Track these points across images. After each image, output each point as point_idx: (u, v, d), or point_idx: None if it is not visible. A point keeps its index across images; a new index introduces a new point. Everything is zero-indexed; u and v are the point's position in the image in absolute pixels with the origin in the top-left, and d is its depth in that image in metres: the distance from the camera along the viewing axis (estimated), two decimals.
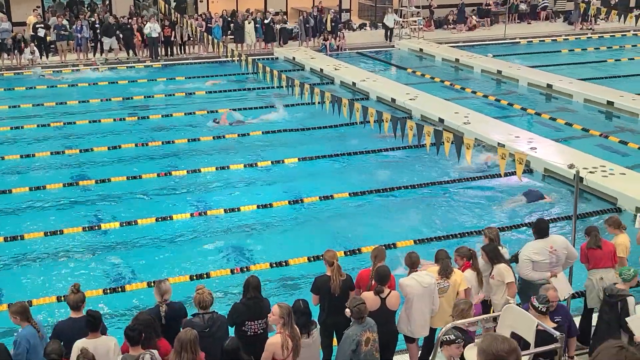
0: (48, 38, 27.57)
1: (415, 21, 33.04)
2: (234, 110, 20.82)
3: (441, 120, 19.37)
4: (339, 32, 30.95)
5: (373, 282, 8.20)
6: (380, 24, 34.87)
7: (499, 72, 25.80)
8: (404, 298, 8.38)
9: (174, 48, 29.03)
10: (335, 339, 8.47)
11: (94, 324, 7.01)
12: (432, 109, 20.46)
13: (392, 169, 16.68)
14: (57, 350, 6.59)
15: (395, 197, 14.93)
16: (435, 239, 12.89)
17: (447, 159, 14.83)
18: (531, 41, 32.34)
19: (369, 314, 7.63)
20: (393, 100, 21.97)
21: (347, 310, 7.53)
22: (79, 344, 6.76)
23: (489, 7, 36.05)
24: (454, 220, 13.87)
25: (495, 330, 7.65)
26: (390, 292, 8.07)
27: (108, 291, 11.03)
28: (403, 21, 32.67)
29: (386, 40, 31.87)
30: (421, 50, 30.36)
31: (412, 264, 8.54)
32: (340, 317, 7.84)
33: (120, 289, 11.14)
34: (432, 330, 8.63)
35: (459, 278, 8.57)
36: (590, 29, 34.66)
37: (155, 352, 6.48)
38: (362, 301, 7.58)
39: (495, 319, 7.91)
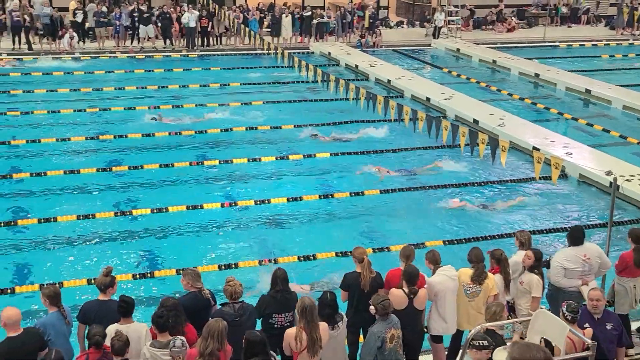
0: (87, 24, 27.86)
1: (453, 21, 32.79)
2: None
3: (476, 122, 19.18)
4: (375, 29, 30.82)
5: (403, 281, 8.13)
6: (417, 22, 34.77)
7: (537, 75, 25.48)
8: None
9: (211, 39, 29.15)
10: (361, 336, 8.44)
11: (126, 310, 7.04)
12: (467, 110, 20.27)
13: (423, 168, 16.51)
14: (101, 332, 6.63)
15: (427, 196, 14.80)
16: (465, 240, 12.77)
17: (481, 160, 14.67)
18: (571, 45, 31.91)
19: (396, 312, 7.59)
20: (428, 99, 21.82)
21: (372, 307, 7.48)
22: (111, 329, 6.79)
23: (530, 8, 35.66)
24: (484, 222, 13.72)
25: (524, 335, 7.55)
26: (418, 291, 8.01)
27: (137, 276, 11.10)
28: (445, 20, 32.45)
29: (434, 38, 31.67)
30: (458, 50, 30.11)
31: (436, 261, 8.49)
32: (368, 315, 7.79)
33: (149, 275, 11.21)
34: (459, 332, 8.56)
35: (491, 283, 8.47)
36: (633, 34, 34.06)
37: (184, 338, 6.50)
38: (386, 297, 7.57)
39: (522, 323, 7.82)
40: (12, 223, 12.84)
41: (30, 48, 26.61)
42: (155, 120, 19.11)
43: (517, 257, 9.05)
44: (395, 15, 37.28)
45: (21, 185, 14.65)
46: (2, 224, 12.74)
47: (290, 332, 7.20)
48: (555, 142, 17.40)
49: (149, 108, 20.28)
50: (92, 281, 10.19)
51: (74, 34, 26.83)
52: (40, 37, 26.71)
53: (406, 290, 7.96)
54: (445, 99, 21.37)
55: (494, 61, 27.84)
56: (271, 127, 19.00)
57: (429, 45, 31.50)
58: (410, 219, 13.85)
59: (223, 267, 11.44)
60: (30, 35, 26.72)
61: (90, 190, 14.52)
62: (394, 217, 13.91)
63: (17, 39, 26.59)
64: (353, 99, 17.79)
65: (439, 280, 8.25)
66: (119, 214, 13.42)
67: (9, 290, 10.55)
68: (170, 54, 27.86)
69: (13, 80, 23.08)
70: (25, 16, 26.36)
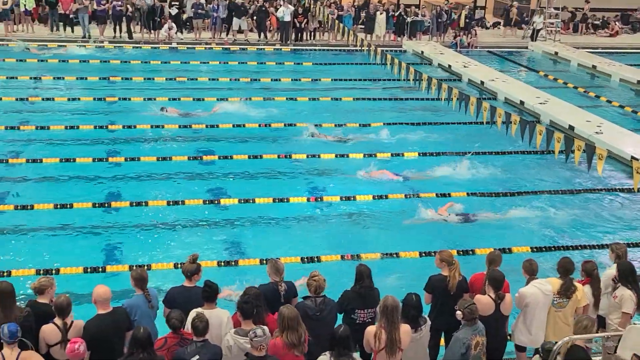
0: (184, 15, 28.54)
1: (552, 23, 31.85)
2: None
3: (571, 128, 18.56)
4: (471, 29, 30.31)
5: (487, 286, 7.95)
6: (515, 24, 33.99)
7: None
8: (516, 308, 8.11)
9: (305, 33, 29.35)
10: (442, 340, 8.31)
11: (209, 295, 7.13)
12: (563, 115, 19.64)
13: (515, 172, 16.15)
14: (179, 317, 6.76)
15: (516, 202, 14.42)
16: (553, 248, 12.40)
17: (576, 167, 14.18)
18: None
19: (481, 318, 7.42)
20: (522, 102, 21.28)
21: (459, 312, 7.33)
22: (193, 314, 6.90)
23: (635, 13, 34.25)
24: (575, 231, 13.27)
25: (615, 350, 7.25)
26: (505, 296, 7.80)
27: (222, 264, 11.29)
28: (543, 22, 31.58)
29: (532, 40, 30.91)
30: (556, 53, 29.25)
31: (532, 271, 8.23)
32: (452, 318, 7.65)
33: (233, 263, 11.38)
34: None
35: (580, 294, 8.18)
36: None
37: (266, 328, 6.55)
38: (472, 302, 7.41)
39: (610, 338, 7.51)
40: (106, 205, 13.30)
41: (130, 37, 27.50)
42: (164, 111, 19.05)
43: (613, 270, 8.68)
44: (492, 16, 36.53)
45: (117, 169, 15.14)
46: (97, 205, 13.21)
47: (370, 329, 7.16)
48: None
49: (240, 99, 20.59)
50: (179, 265, 10.44)
51: (173, 24, 27.56)
52: (141, 26, 27.56)
53: (492, 295, 7.77)
54: (540, 103, 20.77)
55: (594, 66, 26.89)
56: (360, 125, 18.96)
57: (526, 47, 30.73)
58: (497, 223, 13.51)
59: (306, 260, 11.49)
60: (132, 24, 27.62)
61: (180, 178, 14.87)
62: (478, 221, 13.62)
63: (118, 27, 27.52)
64: (445, 99, 17.53)
65: (531, 292, 8.01)
66: (207, 202, 13.68)
67: (100, 269, 10.92)
68: (263, 47, 28.24)
69: (114, 67, 23.90)
70: (128, 5, 27.25)
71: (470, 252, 12.07)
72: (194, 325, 6.59)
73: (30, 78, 21.75)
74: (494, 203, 14.33)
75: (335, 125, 18.73)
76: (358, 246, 12.28)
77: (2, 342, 6.45)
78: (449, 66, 25.87)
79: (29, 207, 12.94)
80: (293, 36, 28.88)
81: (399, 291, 7.87)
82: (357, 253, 11.90)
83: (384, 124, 19.03)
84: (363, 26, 29.65)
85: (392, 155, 16.68)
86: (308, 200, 14.04)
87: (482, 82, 23.58)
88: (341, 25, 26.69)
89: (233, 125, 18.19)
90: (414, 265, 11.61)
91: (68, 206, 13.04)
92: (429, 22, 30.52)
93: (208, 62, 25.21)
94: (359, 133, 18.34)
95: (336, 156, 16.43)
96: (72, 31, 27.67)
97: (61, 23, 27.58)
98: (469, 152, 16.36)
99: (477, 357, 7.30)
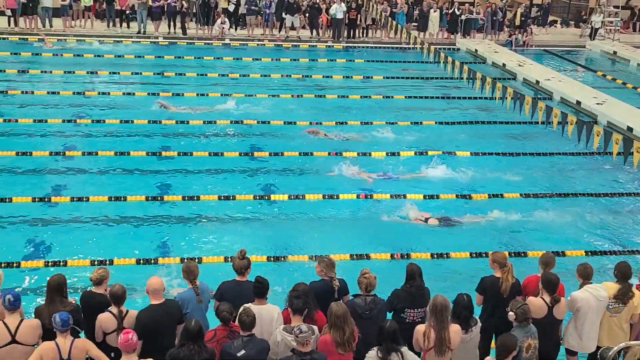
0: (239, 11, 28.76)
1: (611, 22, 31.09)
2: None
3: (630, 129, 18.07)
4: (527, 28, 29.80)
5: (541, 288, 7.79)
6: (572, 22, 33.34)
7: None
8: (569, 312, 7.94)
9: (357, 31, 29.27)
10: (493, 342, 8.17)
11: (260, 290, 7.15)
12: (621, 116, 19.14)
13: (568, 173, 15.82)
14: (229, 309, 6.79)
15: (571, 204, 14.13)
16: (609, 252, 12.10)
17: (635, 170, 13.81)
18: None
19: (533, 321, 7.28)
20: (578, 102, 20.83)
21: (511, 313, 7.21)
22: (242, 308, 6.91)
23: None
24: (633, 236, 12.92)
25: None
26: (559, 299, 7.64)
27: (272, 259, 11.33)
28: (602, 21, 30.86)
29: (590, 39, 30.27)
30: (615, 53, 28.56)
31: (587, 275, 8.03)
32: (503, 321, 7.53)
33: (282, 259, 11.41)
34: (598, 347, 8.10)
35: (636, 300, 7.96)
36: None
37: (315, 327, 6.55)
38: (525, 303, 7.31)
39: None
40: (159, 198, 13.48)
41: (184, 33, 27.83)
42: (163, 107, 19.04)
43: None
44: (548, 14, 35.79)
45: (170, 163, 15.34)
46: (150, 198, 13.40)
47: (420, 328, 7.12)
48: None
49: (292, 96, 20.65)
50: (229, 259, 10.51)
51: (226, 19, 27.78)
52: (196, 22, 27.87)
53: (546, 298, 7.61)
54: (598, 104, 20.29)
55: None
56: (411, 123, 18.83)
57: (584, 46, 30.09)
58: (551, 225, 13.25)
59: (355, 257, 11.45)
60: (186, 20, 27.96)
61: (231, 173, 14.98)
62: (531, 223, 13.36)
63: (172, 23, 27.88)
64: (499, 98, 17.27)
65: (583, 297, 7.83)
66: (257, 197, 13.76)
67: (152, 261, 11.08)
68: (315, 44, 28.26)
69: (167, 63, 24.22)
70: (183, 2, 27.58)
71: (523, 254, 11.86)
72: (240, 320, 6.62)
73: (87, 73, 22.19)
74: (547, 204, 14.05)
75: (387, 123, 18.61)
76: (409, 245, 12.20)
77: (55, 331, 6.58)
78: (504, 65, 25.48)
79: (84, 199, 13.20)
80: (345, 33, 28.82)
81: (448, 292, 7.79)
82: (407, 252, 11.82)
83: (435, 122, 18.88)
84: (416, 23, 29.41)
85: (443, 153, 16.50)
86: (358, 197, 13.99)
87: (538, 82, 23.16)
88: (394, 22, 26.55)
89: (284, 123, 18.23)
90: (465, 265, 11.47)
91: (122, 199, 13.26)
92: (484, 20, 30.11)
93: (260, 59, 25.35)
94: (411, 131, 18.20)
95: (387, 154, 16.33)
96: (128, 27, 28.16)
97: (117, 19, 28.10)
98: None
99: None
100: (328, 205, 13.62)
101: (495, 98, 17.69)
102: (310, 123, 18.36)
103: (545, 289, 7.68)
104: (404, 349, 6.67)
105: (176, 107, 19.06)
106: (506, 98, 16.93)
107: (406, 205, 13.45)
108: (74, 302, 7.23)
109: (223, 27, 27.59)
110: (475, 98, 20.57)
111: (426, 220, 13.07)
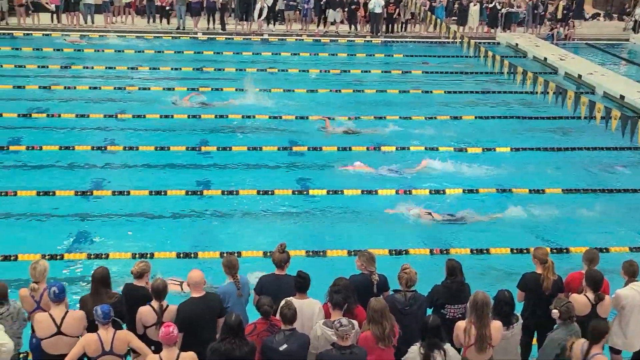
0: (277, 7, 28.81)
1: None
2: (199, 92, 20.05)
3: None
4: (568, 21, 29.31)
5: (584, 285, 7.66)
6: (615, 15, 32.70)
7: None
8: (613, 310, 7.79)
9: (396, 25, 29.11)
10: (535, 339, 8.07)
11: (302, 285, 7.16)
12: None
13: (614, 169, 15.52)
14: (270, 303, 6.81)
15: (615, 200, 13.87)
16: None
17: None
18: None
19: (577, 319, 7.16)
20: (622, 97, 20.42)
21: (555, 310, 7.09)
22: (283, 302, 6.91)
23: None
24: None
25: None
26: (604, 297, 7.49)
27: (310, 253, 11.33)
28: None
29: (634, 32, 29.69)
30: None
31: (632, 273, 7.86)
32: (545, 318, 7.43)
33: (321, 253, 11.40)
34: None
35: None
36: None
37: (355, 322, 6.53)
38: (568, 300, 7.20)
39: None
40: (199, 193, 13.58)
41: (223, 28, 27.98)
42: (174, 104, 18.99)
43: None
44: (591, 7, 35.17)
45: (208, 158, 15.44)
46: (190, 193, 13.51)
47: (460, 324, 7.06)
48: None
49: (330, 91, 20.63)
50: (268, 254, 10.54)
51: (265, 4, 27.73)
52: (235, 18, 28.00)
53: (590, 296, 7.48)
54: None
55: None
56: (451, 117, 18.67)
57: (627, 40, 29.48)
58: (593, 222, 13.02)
59: (394, 253, 11.39)
60: (225, 16, 28.11)
61: (270, 167, 15.03)
62: (573, 219, 13.14)
63: (211, 19, 28.05)
64: (541, 92, 17.01)
65: (628, 295, 7.66)
66: (296, 192, 13.77)
67: (192, 255, 11.17)
68: (354, 39, 28.18)
69: (205, 58, 24.37)
70: None
71: (565, 251, 11.69)
72: (282, 313, 6.63)
73: (128, 68, 22.46)
74: (590, 200, 13.81)
75: (425, 118, 18.49)
76: (448, 240, 12.12)
77: (97, 323, 6.67)
78: (545, 59, 25.11)
79: (125, 193, 13.37)
80: (384, 28, 28.68)
81: (488, 288, 7.71)
82: (447, 248, 11.72)
83: (475, 117, 18.70)
84: (456, 18, 29.14)
85: (483, 150, 16.33)
86: (397, 192, 13.91)
87: (580, 76, 22.77)
88: (433, 16, 26.33)
89: (322, 117, 18.21)
90: (505, 261, 11.34)
91: (162, 193, 13.39)
92: (524, 14, 29.69)
93: (298, 54, 25.36)
94: (449, 126, 18.05)
95: (425, 149, 16.21)
96: (168, 23, 28.42)
97: (157, 15, 28.37)
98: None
99: None
100: (366, 200, 13.56)
101: (537, 93, 17.43)
102: (349, 118, 18.25)
103: (589, 286, 7.56)
104: (447, 345, 6.62)
105: (217, 102, 19.17)
106: (548, 93, 16.67)
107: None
108: (118, 294, 7.32)
109: (262, 12, 27.48)
110: (516, 92, 20.32)
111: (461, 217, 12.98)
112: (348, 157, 15.63)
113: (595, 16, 33.24)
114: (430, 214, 12.91)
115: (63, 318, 6.84)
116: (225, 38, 27.32)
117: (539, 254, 7.96)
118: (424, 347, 6.51)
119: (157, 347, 6.80)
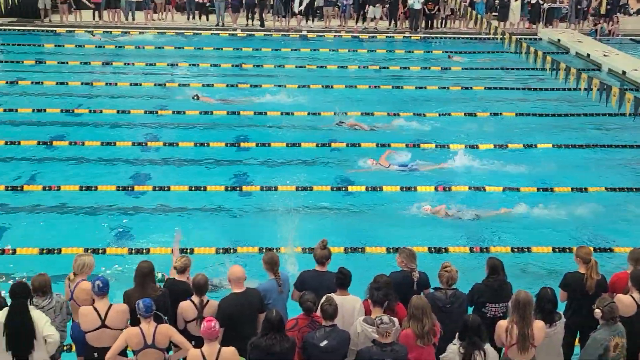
0: (316, 3, 28.82)
1: None
2: None
3: None
4: (613, 16, 28.76)
5: (630, 286, 7.51)
6: None
7: None
8: None
9: (435, 21, 28.89)
10: (577, 339, 7.94)
11: (343, 281, 7.15)
12: None
13: None
14: (313, 299, 6.81)
15: None
16: None
17: None
18: None
19: (621, 320, 7.02)
20: None
21: (597, 310, 6.97)
22: (324, 298, 6.91)
23: None
24: None
25: None
26: None
27: (349, 250, 11.31)
28: None
29: None
30: None
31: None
32: (588, 318, 7.30)
33: (360, 250, 11.38)
34: None
35: None
36: None
37: (395, 319, 6.50)
38: (612, 300, 7.06)
39: None
40: (238, 188, 13.65)
41: (262, 25, 28.09)
42: (196, 99, 19.01)
43: None
44: (635, 2, 34.45)
45: (247, 154, 15.50)
46: (229, 189, 13.58)
47: (502, 324, 6.98)
48: None
49: (369, 87, 20.56)
50: (307, 250, 10.56)
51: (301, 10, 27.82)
52: (274, 14, 28.08)
53: (635, 296, 7.33)
54: None
55: None
56: (490, 114, 18.47)
57: None
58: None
59: (433, 251, 11.32)
60: (264, 12, 28.21)
61: (309, 164, 15.03)
62: (616, 217, 12.89)
63: (250, 15, 28.16)
64: (584, 89, 16.72)
65: None
66: (334, 189, 13.76)
67: (231, 250, 11.24)
68: (393, 35, 28.05)
69: (245, 55, 24.49)
70: None
71: (608, 250, 11.49)
72: (323, 309, 6.62)
73: (167, 65, 22.67)
74: (634, 199, 13.56)
75: (465, 115, 18.32)
76: (488, 238, 11.99)
77: (139, 317, 6.75)
78: (588, 55, 24.68)
79: (165, 188, 13.50)
80: (423, 24, 28.49)
81: (530, 287, 7.60)
82: (487, 246, 11.60)
83: (516, 114, 18.47)
84: (496, 13, 28.81)
85: (524, 146, 16.12)
86: (436, 189, 13.81)
87: (624, 72, 22.32)
88: (473, 12, 26.06)
89: (362, 114, 18.15)
90: (547, 260, 11.19)
91: (202, 189, 13.49)
92: (567, 9, 29.22)
93: (337, 50, 25.33)
94: (490, 123, 17.86)
95: (465, 146, 16.06)
96: (207, 19, 28.63)
97: (197, 11, 28.59)
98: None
99: None
100: (406, 197, 13.48)
101: (580, 89, 17.13)
102: (388, 114, 18.15)
103: (635, 286, 7.40)
104: (487, 345, 6.55)
105: (255, 98, 19.25)
106: (591, 89, 16.37)
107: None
108: (162, 288, 7.38)
109: (300, 6, 27.53)
110: (558, 89, 20.01)
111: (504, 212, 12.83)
112: (381, 153, 15.53)
113: None
114: (468, 211, 12.80)
115: (107, 311, 6.93)
116: (264, 34, 27.41)
117: (582, 253, 7.82)
118: (464, 346, 6.45)
119: (197, 342, 6.86)
